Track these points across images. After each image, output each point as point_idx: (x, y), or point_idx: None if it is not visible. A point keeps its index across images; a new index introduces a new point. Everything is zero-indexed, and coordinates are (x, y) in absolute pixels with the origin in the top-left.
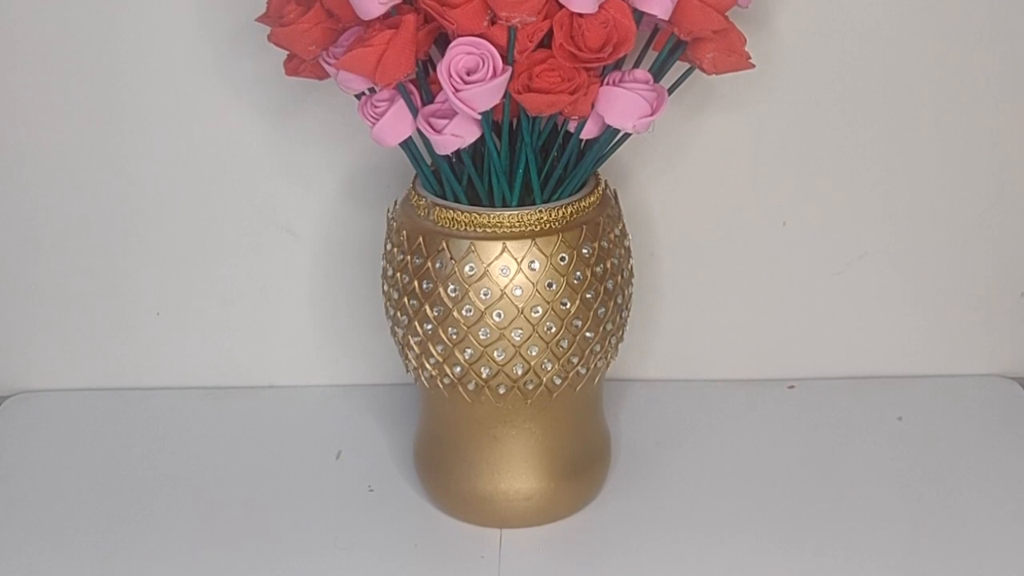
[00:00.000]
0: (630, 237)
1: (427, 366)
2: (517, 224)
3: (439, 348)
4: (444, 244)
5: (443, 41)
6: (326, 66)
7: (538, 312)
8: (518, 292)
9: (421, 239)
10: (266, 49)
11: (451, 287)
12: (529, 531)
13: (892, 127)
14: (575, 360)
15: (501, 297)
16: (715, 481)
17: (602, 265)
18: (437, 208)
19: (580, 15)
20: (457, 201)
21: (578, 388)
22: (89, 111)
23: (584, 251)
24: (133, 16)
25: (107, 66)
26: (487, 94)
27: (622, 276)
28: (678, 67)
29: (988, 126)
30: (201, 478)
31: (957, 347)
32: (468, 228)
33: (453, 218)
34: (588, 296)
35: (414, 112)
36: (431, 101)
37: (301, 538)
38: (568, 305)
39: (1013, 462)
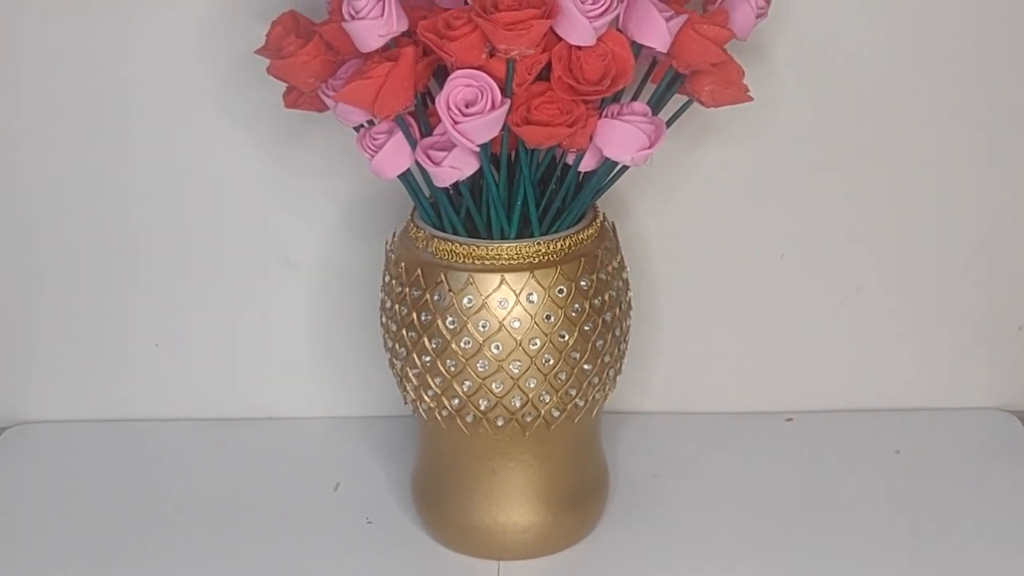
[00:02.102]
0: (628, 269)
1: (425, 398)
2: (515, 256)
3: (437, 380)
4: (442, 276)
5: (442, 73)
6: (325, 98)
7: (536, 344)
8: (516, 324)
9: (419, 271)
10: (265, 81)
11: (449, 319)
12: (527, 563)
13: (889, 159)
14: (573, 392)
15: (499, 329)
16: (713, 514)
17: (600, 297)
18: (435, 240)
19: (579, 48)
20: (455, 233)
21: (576, 420)
22: (88, 143)
23: (582, 283)
24: (133, 48)
25: (107, 98)
26: (486, 126)
27: (620, 308)
28: (676, 100)
29: (985, 159)
30: (199, 510)
31: (955, 380)
32: (466, 260)
33: (451, 250)
34: (586, 328)
35: (413, 144)
36: (430, 133)
37: (299, 569)
38: (566, 337)
39: (1011, 496)
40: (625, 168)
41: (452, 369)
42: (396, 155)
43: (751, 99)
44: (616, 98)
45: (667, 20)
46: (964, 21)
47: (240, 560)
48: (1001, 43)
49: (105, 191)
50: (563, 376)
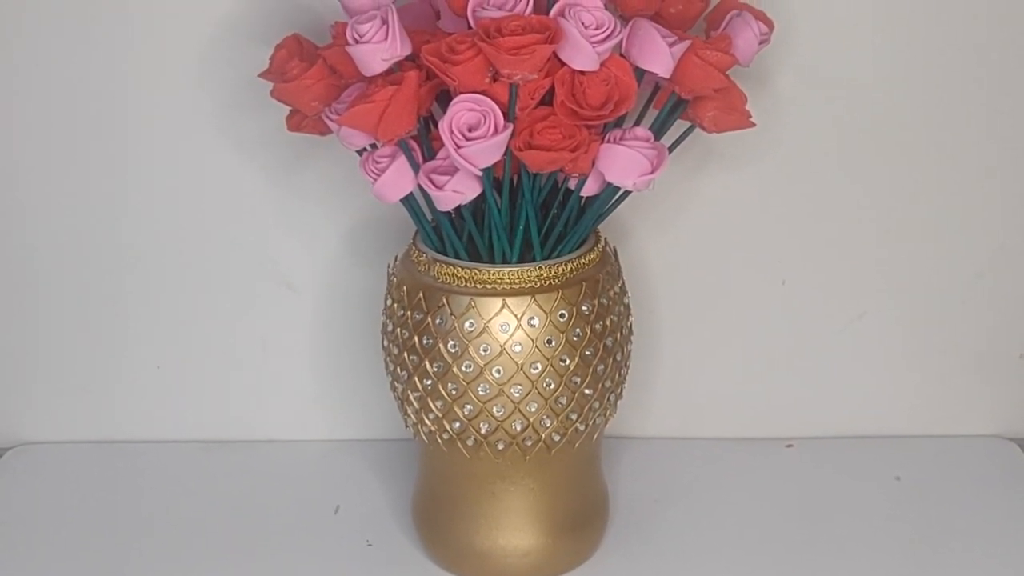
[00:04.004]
0: (630, 294)
1: (426, 421)
2: (517, 281)
3: (438, 403)
4: (444, 300)
5: (445, 98)
6: (328, 122)
7: (537, 368)
8: (517, 348)
9: (421, 295)
10: (269, 105)
11: (451, 343)
12: None
13: (892, 186)
14: (574, 417)
15: (500, 353)
16: (713, 539)
17: (601, 322)
18: (437, 264)
19: (581, 73)
20: (457, 257)
21: (577, 445)
22: (90, 166)
23: (584, 308)
24: (136, 71)
25: (109, 121)
26: (488, 151)
27: (621, 333)
28: (679, 125)
29: (987, 186)
30: (199, 532)
31: (956, 407)
32: (468, 284)
33: (453, 274)
34: (587, 353)
35: (415, 168)
36: (432, 157)
37: None
38: (567, 362)
39: (1011, 523)
40: (627, 193)
41: (453, 393)
42: (399, 179)
43: (753, 125)
44: (619, 123)
45: (670, 46)
46: (968, 50)
47: None
48: (1005, 72)
49: (106, 213)
50: (564, 400)
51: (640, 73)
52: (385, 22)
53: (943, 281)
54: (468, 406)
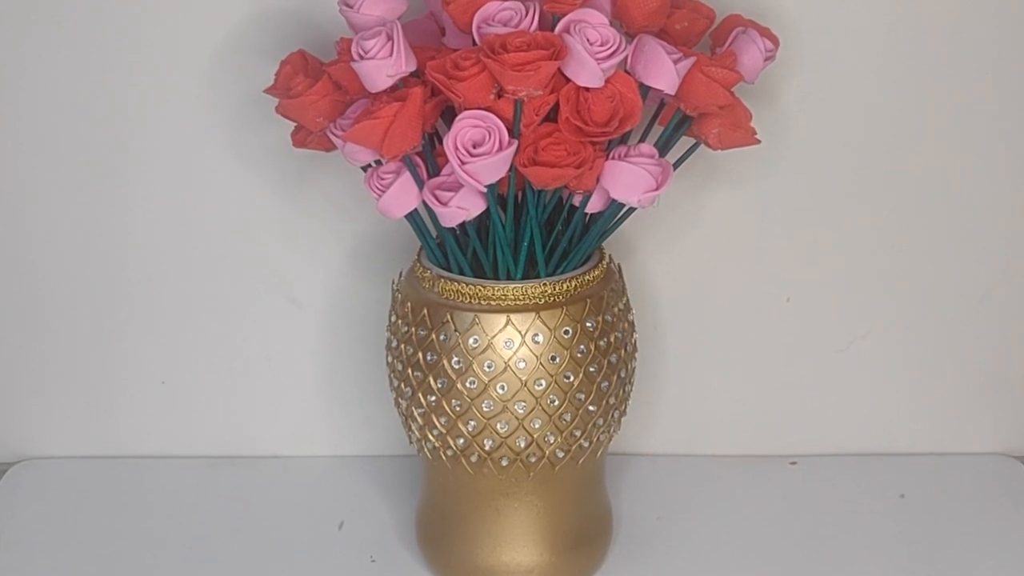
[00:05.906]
0: (634, 311)
1: (430, 437)
2: (521, 297)
3: (442, 420)
4: (448, 316)
5: (450, 114)
6: (333, 138)
7: (541, 385)
8: (522, 365)
9: (426, 311)
10: (274, 120)
11: (455, 359)
12: None
13: (897, 204)
14: (578, 433)
15: (505, 370)
16: (716, 557)
17: (606, 339)
18: (442, 280)
19: (586, 89)
20: (462, 273)
21: (580, 461)
22: (96, 181)
23: (588, 325)
24: (141, 87)
25: (114, 136)
26: (493, 167)
27: (625, 350)
28: (684, 142)
29: (993, 205)
30: (204, 547)
31: (960, 425)
32: (472, 300)
33: (458, 290)
34: (591, 370)
35: (420, 184)
36: (437, 173)
37: None
38: (571, 378)
39: (1015, 540)
40: (632, 210)
41: (457, 409)
42: (403, 195)
43: (758, 142)
44: (623, 140)
45: (675, 62)
46: (974, 68)
47: None
48: (1012, 91)
49: (112, 229)
50: (568, 417)
51: (645, 90)
52: (390, 38)
53: (948, 299)
54: (472, 422)
